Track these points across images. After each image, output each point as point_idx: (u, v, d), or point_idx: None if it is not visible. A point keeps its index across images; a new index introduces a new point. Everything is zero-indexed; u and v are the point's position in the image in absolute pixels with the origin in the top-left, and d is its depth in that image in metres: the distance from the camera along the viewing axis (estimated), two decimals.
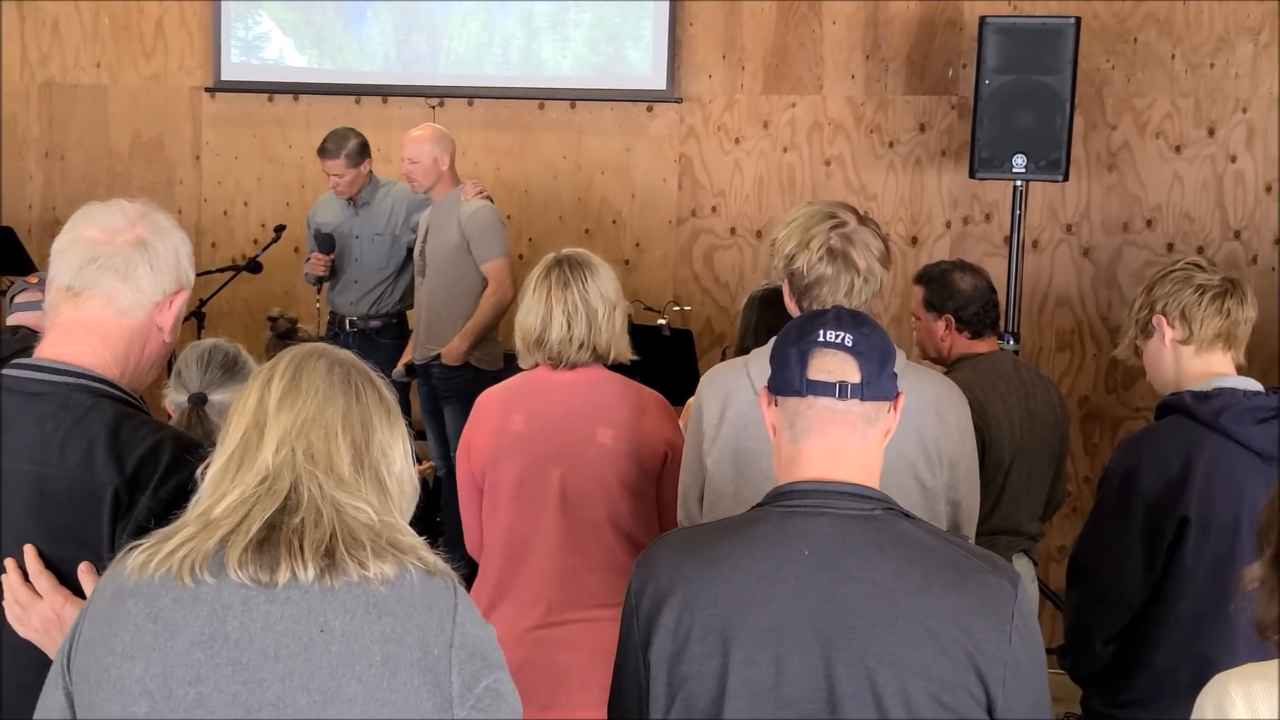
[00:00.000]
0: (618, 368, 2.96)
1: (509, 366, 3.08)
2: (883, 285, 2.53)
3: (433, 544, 1.61)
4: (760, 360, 2.48)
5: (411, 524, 1.63)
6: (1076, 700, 2.69)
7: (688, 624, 1.74)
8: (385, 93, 6.09)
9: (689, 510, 2.61)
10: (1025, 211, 5.00)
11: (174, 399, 2.56)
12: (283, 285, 6.07)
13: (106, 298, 1.86)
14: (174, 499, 1.71)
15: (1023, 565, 3.52)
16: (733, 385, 2.51)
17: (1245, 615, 1.58)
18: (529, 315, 2.87)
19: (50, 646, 1.73)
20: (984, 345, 3.62)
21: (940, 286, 3.61)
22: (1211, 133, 5.25)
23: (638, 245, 5.90)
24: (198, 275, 2.16)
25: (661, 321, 5.15)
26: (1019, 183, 4.93)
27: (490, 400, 2.98)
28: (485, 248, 5.05)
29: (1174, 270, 2.59)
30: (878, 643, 1.69)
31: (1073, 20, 4.83)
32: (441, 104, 6.00)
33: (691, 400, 2.70)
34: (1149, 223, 5.32)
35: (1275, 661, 1.52)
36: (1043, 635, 1.81)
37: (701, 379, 2.63)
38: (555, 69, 5.95)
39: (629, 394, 2.90)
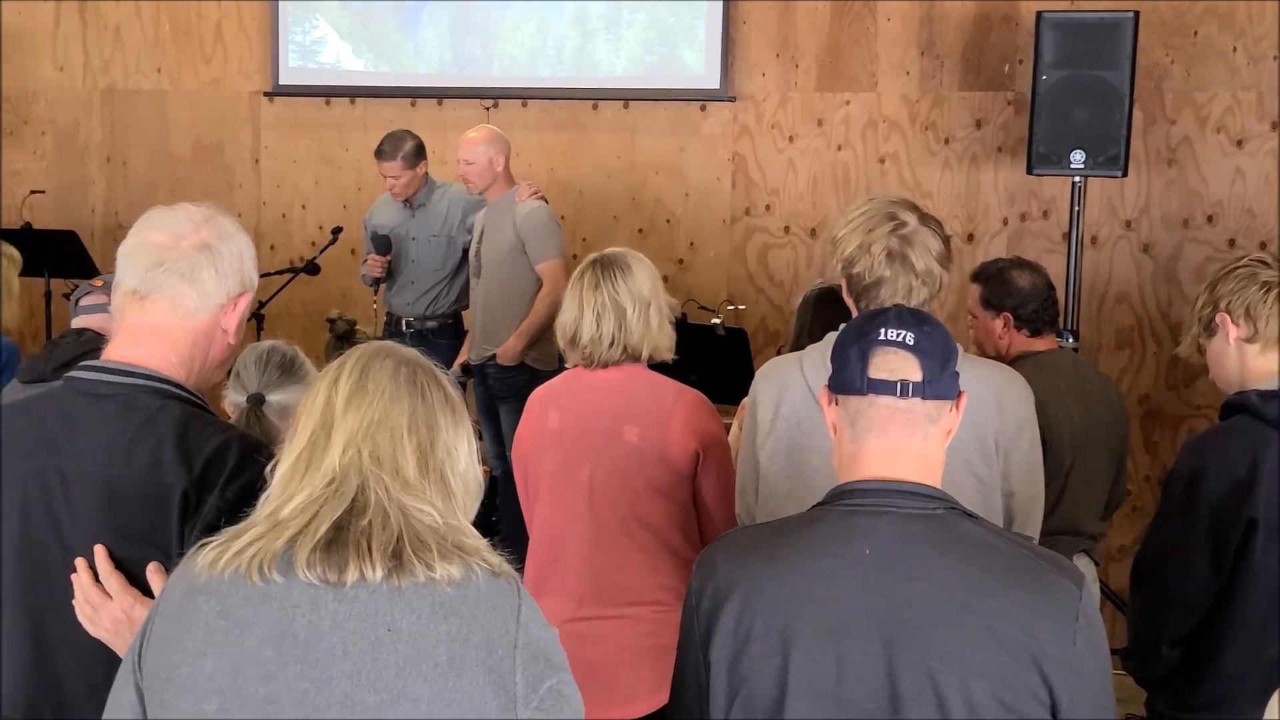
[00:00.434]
0: (666, 367, 2.97)
1: (563, 366, 3.11)
2: (942, 286, 2.51)
3: (490, 543, 1.62)
4: (814, 357, 2.47)
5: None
6: (1141, 702, 2.65)
7: (748, 623, 1.74)
8: (440, 95, 6.13)
9: (746, 504, 2.61)
10: (1084, 208, 4.95)
11: (233, 399, 2.60)
12: (340, 287, 6.13)
13: (172, 301, 1.89)
14: (241, 499, 1.73)
15: (1084, 566, 3.48)
16: (787, 381, 2.51)
17: None
18: (565, 316, 2.93)
19: (120, 646, 1.75)
20: (1043, 343, 3.58)
21: (998, 284, 3.58)
22: (1274, 126, 5.16)
23: (691, 244, 5.89)
24: None
25: (716, 321, 5.14)
26: (1077, 179, 4.88)
27: (535, 398, 3.05)
28: (540, 248, 5.07)
29: (1238, 267, 2.55)
30: (940, 643, 1.68)
31: (1131, 14, 4.77)
32: (496, 105, 6.03)
33: (746, 399, 2.70)
34: (1210, 218, 5.25)
35: None
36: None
37: (756, 374, 2.63)
38: (609, 69, 5.96)
39: (660, 392, 2.90)
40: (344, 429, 1.58)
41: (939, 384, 1.78)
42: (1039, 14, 4.87)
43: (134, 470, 1.80)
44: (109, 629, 1.78)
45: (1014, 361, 3.53)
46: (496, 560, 1.58)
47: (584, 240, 5.87)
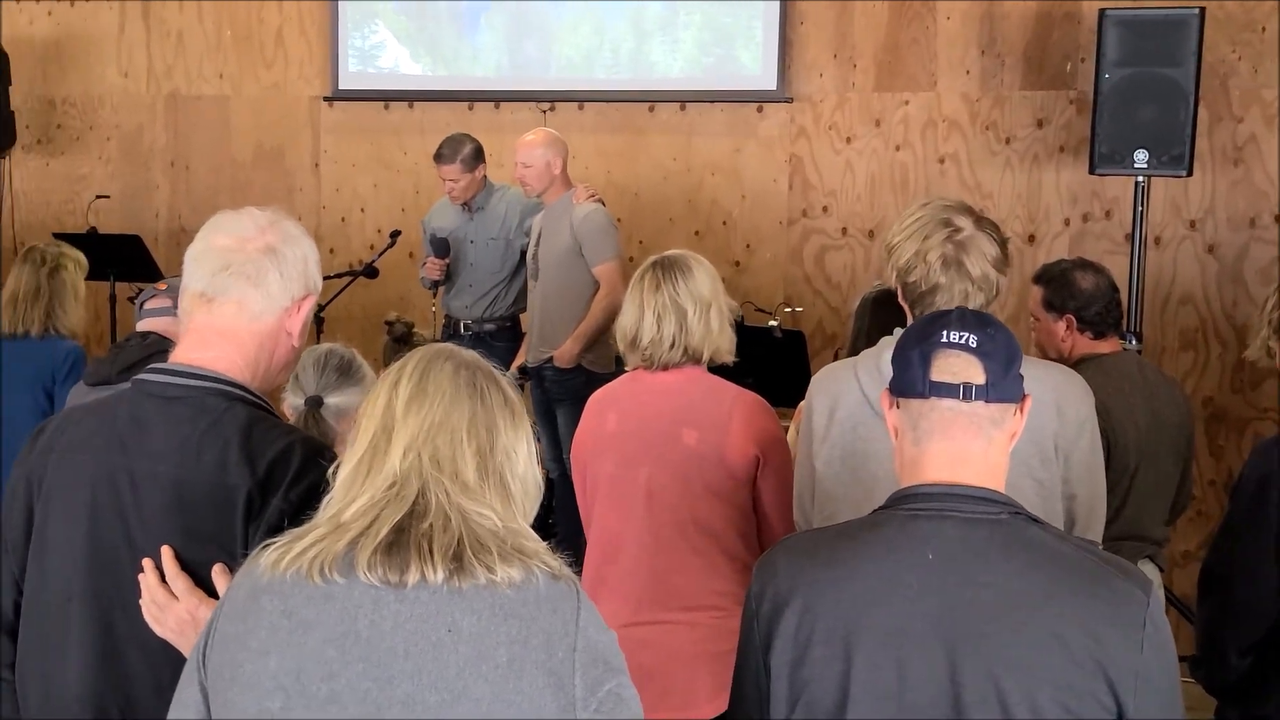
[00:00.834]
0: (723, 369, 2.96)
1: (620, 369, 3.10)
2: (999, 290, 2.48)
3: (548, 545, 1.62)
4: (868, 363, 2.46)
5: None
6: (1211, 710, 2.61)
7: (809, 628, 1.73)
8: (497, 98, 6.16)
9: (803, 511, 2.60)
10: (1147, 208, 4.88)
11: (291, 401, 2.62)
12: (398, 290, 6.17)
13: (239, 304, 1.91)
14: (305, 501, 1.74)
15: (1149, 571, 3.43)
16: (841, 387, 2.49)
17: None
18: (625, 318, 2.93)
19: (185, 646, 1.76)
20: (1107, 346, 3.53)
21: (1060, 286, 3.54)
22: None
23: (748, 246, 5.88)
24: None
25: (773, 323, 5.12)
26: (1141, 178, 4.81)
27: (594, 400, 3.05)
28: (597, 250, 5.08)
29: None
30: (1004, 649, 1.66)
31: (1196, 10, 4.69)
32: (553, 108, 6.05)
33: (802, 403, 2.69)
34: (1277, 218, 5.15)
35: None
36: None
37: (811, 382, 2.62)
38: (665, 71, 5.96)
39: (719, 395, 2.89)
40: (404, 432, 1.59)
41: (1002, 387, 1.76)
42: (1102, 11, 4.81)
43: (201, 472, 1.82)
44: (174, 629, 1.80)
45: (1077, 364, 3.48)
46: (556, 563, 1.58)
47: (640, 242, 5.88)
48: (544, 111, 6.05)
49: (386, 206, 6.40)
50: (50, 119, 6.97)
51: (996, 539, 1.72)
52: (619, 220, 5.48)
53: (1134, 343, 4.62)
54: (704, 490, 2.84)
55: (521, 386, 5.37)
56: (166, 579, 1.81)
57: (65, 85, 6.93)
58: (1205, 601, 2.56)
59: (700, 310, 2.87)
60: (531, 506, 1.65)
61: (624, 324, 2.93)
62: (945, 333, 1.77)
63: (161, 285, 3.44)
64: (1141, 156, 4.72)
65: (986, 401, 1.75)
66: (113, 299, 6.00)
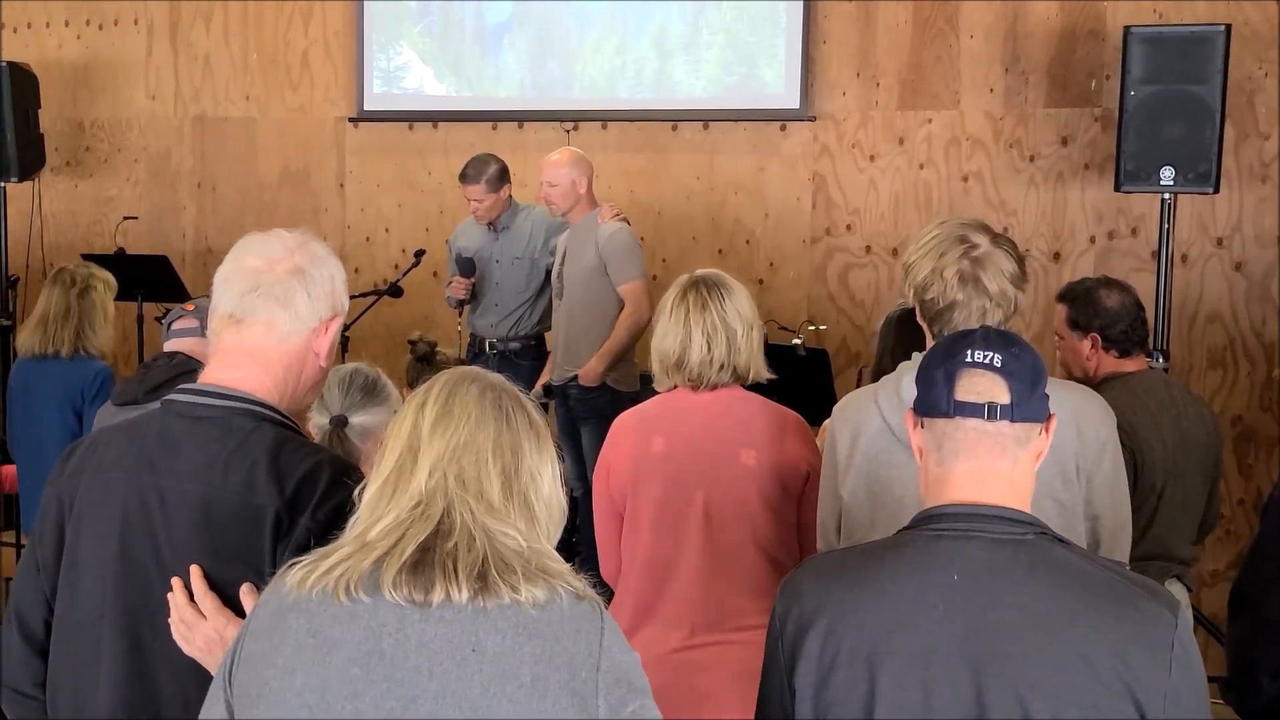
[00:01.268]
0: (753, 387, 2.96)
1: (645, 388, 3.10)
2: (1017, 307, 2.48)
3: (571, 566, 1.62)
4: (888, 389, 2.46)
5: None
6: None
7: (834, 648, 1.72)
8: (521, 118, 6.19)
9: (828, 539, 2.59)
10: (1174, 225, 4.86)
11: (316, 421, 2.62)
12: (423, 309, 6.20)
13: (267, 325, 1.92)
14: (332, 520, 1.75)
15: (1177, 591, 3.40)
16: (862, 416, 2.49)
17: None
18: (667, 338, 2.88)
19: (213, 665, 1.77)
20: (1133, 364, 3.52)
21: (1085, 304, 3.52)
22: None
23: (771, 265, 5.88)
24: None
25: (796, 341, 5.12)
26: (1167, 195, 4.79)
27: (626, 424, 2.99)
28: (622, 269, 5.09)
29: None
30: (1030, 670, 1.65)
31: (1222, 27, 4.68)
32: (576, 128, 6.07)
33: (828, 422, 2.69)
34: None
35: None
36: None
37: (833, 411, 2.62)
38: (688, 90, 5.97)
39: (770, 414, 2.89)
40: (430, 453, 1.60)
41: (1028, 406, 1.75)
42: (1127, 28, 4.80)
43: (229, 492, 1.83)
44: (202, 648, 1.81)
45: (1103, 383, 3.47)
46: (580, 584, 1.59)
47: (664, 261, 5.89)
48: (567, 131, 6.07)
49: (411, 226, 6.43)
50: (79, 141, 7.04)
51: (1022, 559, 1.71)
52: (642, 239, 5.49)
53: (1160, 361, 4.60)
54: (763, 509, 2.83)
55: (545, 406, 5.38)
56: (195, 598, 1.82)
57: (94, 108, 7.01)
58: (1235, 622, 2.53)
59: (746, 330, 2.87)
60: (556, 529, 1.66)
61: (666, 345, 2.88)
62: (970, 352, 1.77)
63: (189, 306, 3.47)
64: (1168, 174, 4.70)
65: (1012, 421, 1.75)
66: (140, 319, 6.04)
